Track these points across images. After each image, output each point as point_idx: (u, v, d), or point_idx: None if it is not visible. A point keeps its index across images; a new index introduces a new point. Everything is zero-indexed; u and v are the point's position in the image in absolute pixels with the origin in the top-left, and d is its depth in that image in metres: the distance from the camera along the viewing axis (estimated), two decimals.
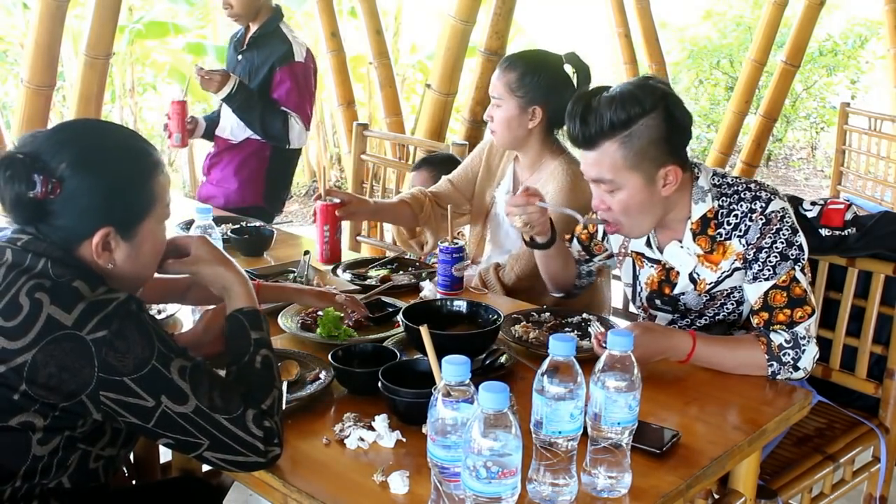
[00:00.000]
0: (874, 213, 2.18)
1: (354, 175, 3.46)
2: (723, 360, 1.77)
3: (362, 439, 1.48)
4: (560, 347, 1.27)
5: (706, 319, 1.98)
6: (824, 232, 2.12)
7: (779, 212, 1.81)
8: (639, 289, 2.05)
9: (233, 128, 3.37)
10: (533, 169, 2.49)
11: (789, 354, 1.77)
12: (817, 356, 1.81)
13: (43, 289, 1.32)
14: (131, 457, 2.12)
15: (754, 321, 1.84)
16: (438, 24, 4.18)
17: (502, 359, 1.77)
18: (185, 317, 2.04)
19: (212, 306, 1.79)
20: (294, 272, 2.30)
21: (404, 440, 1.48)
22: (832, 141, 6.44)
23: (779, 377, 1.78)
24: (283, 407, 1.50)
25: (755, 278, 1.82)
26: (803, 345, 1.78)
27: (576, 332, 1.93)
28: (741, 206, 1.83)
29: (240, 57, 3.34)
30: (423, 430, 1.40)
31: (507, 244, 2.54)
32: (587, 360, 1.64)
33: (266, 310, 2.03)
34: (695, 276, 1.92)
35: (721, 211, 1.85)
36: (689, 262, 1.91)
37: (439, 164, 2.85)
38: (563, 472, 1.30)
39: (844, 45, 8.65)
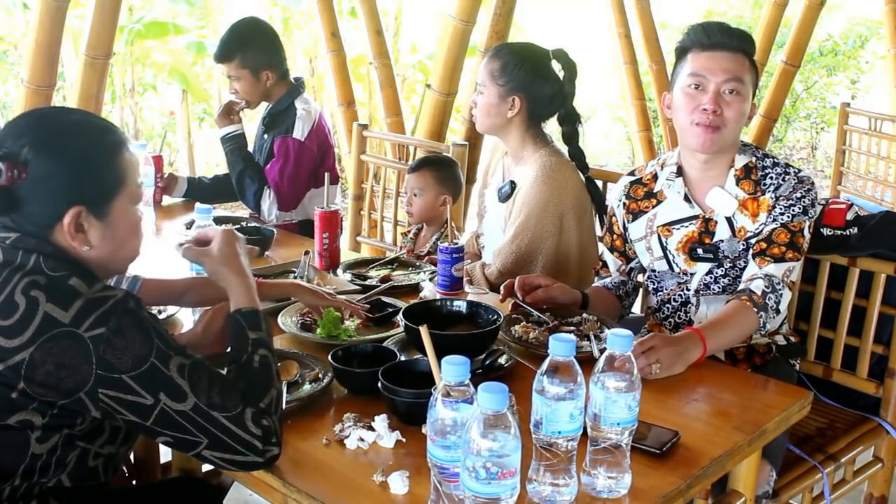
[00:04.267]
0: (875, 212, 2.18)
1: (355, 175, 3.46)
2: (730, 339, 1.92)
3: (362, 439, 1.48)
4: (560, 347, 1.27)
5: (738, 270, 2.04)
6: (826, 231, 2.13)
7: (810, 178, 2.02)
8: (670, 256, 2.12)
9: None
10: (517, 160, 2.52)
11: (771, 298, 1.92)
12: (789, 300, 2.01)
13: (38, 286, 1.32)
14: (132, 457, 2.12)
15: (753, 249, 2.00)
16: (438, 24, 4.17)
17: (502, 359, 1.76)
18: (186, 317, 2.04)
19: (213, 308, 1.79)
20: (294, 272, 2.30)
21: (404, 440, 1.48)
22: (832, 141, 6.44)
23: (767, 325, 1.93)
24: (283, 407, 1.49)
25: (774, 220, 1.98)
26: (779, 289, 1.94)
27: (575, 332, 1.93)
28: (776, 169, 2.03)
29: (265, 135, 3.24)
30: (423, 431, 1.40)
31: (496, 242, 2.55)
32: (587, 360, 1.65)
33: (267, 309, 2.04)
34: (734, 221, 2.02)
35: (758, 165, 2.04)
36: (730, 204, 2.03)
37: (446, 165, 2.80)
38: (563, 472, 1.29)
39: (844, 45, 8.64)
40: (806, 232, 1.98)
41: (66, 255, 1.39)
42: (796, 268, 1.98)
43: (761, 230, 2.00)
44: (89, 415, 1.34)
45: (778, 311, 1.93)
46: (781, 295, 1.93)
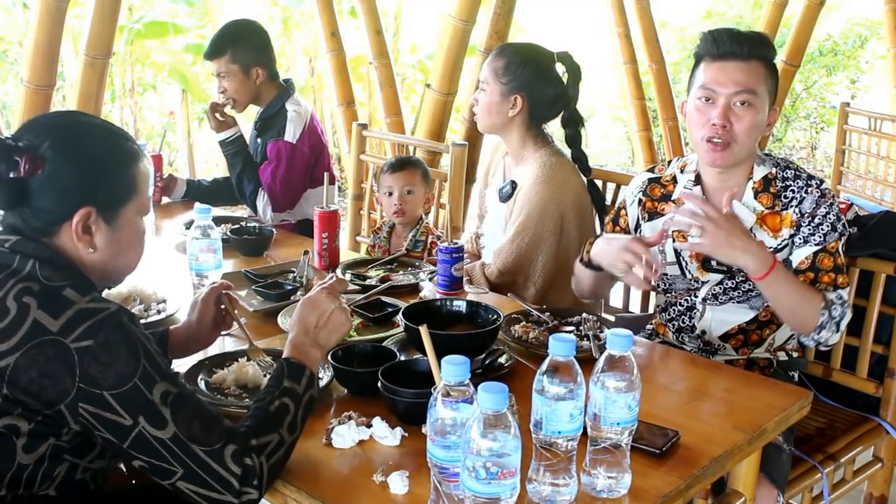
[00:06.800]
0: (875, 212, 2.18)
1: (354, 175, 3.46)
2: (790, 292, 1.88)
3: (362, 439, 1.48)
4: (560, 347, 1.27)
5: (750, 284, 2.01)
6: None
7: (832, 191, 1.96)
8: (684, 262, 2.09)
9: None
10: (518, 160, 2.52)
11: (838, 310, 1.90)
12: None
13: (31, 293, 1.31)
14: None
15: (801, 280, 1.94)
16: (438, 24, 4.18)
17: (502, 359, 1.76)
18: (184, 316, 2.03)
19: (202, 297, 1.77)
20: (294, 272, 2.30)
21: (404, 436, 1.48)
22: (832, 141, 6.44)
23: (823, 332, 1.90)
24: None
25: (805, 241, 1.94)
26: (845, 308, 1.92)
27: (575, 332, 1.93)
28: (797, 182, 1.97)
29: (258, 139, 3.24)
30: (423, 430, 1.40)
31: (497, 242, 2.54)
32: (587, 360, 1.65)
33: (267, 309, 2.04)
34: (752, 234, 1.96)
35: (778, 177, 1.98)
36: (748, 218, 1.98)
37: (423, 164, 2.77)
38: (563, 472, 1.29)
39: (844, 45, 8.64)
40: (841, 250, 1.94)
41: (65, 262, 1.38)
42: (848, 291, 1.97)
43: (783, 247, 1.96)
44: (72, 427, 1.32)
45: (838, 328, 1.91)
46: (845, 314, 1.91)
